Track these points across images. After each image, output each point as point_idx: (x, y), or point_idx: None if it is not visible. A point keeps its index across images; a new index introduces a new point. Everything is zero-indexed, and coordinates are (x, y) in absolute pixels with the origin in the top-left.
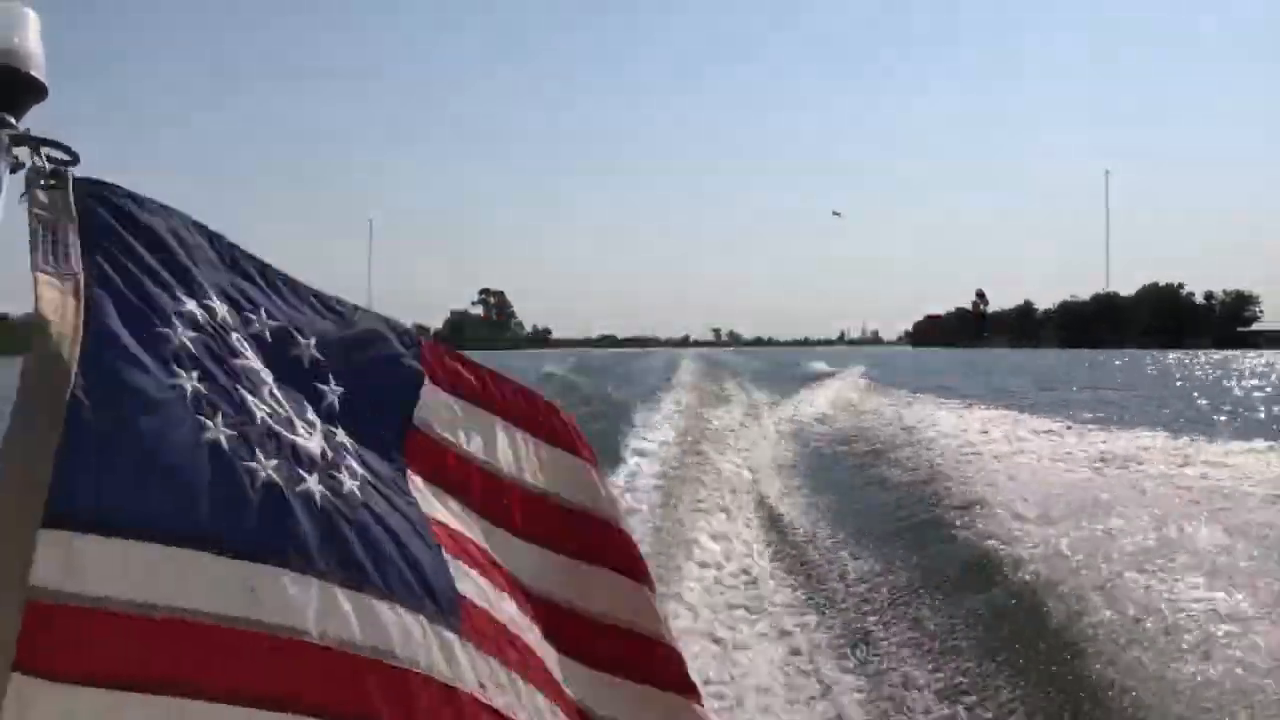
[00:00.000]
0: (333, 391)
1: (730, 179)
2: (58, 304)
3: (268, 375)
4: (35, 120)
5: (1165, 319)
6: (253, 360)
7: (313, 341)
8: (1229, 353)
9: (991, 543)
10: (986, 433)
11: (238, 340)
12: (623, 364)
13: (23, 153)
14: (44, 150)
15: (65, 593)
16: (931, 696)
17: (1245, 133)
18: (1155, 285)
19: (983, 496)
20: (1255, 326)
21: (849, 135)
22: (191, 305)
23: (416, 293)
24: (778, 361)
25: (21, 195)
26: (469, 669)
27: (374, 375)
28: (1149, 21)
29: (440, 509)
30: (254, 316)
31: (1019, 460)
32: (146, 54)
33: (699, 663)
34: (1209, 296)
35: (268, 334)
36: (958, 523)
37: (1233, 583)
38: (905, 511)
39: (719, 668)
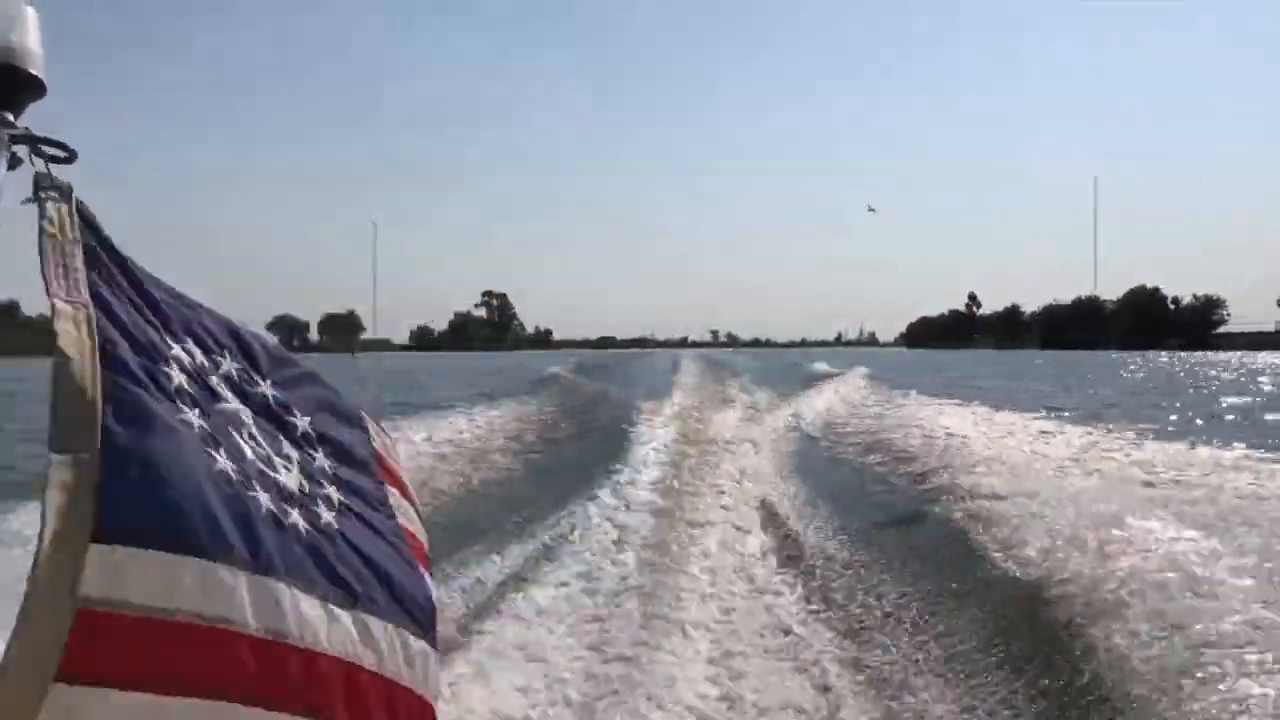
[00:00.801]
0: (302, 420)
1: (729, 180)
2: (75, 337)
3: (246, 415)
4: (32, 118)
5: (1142, 322)
6: (232, 402)
7: (269, 382)
8: (1163, 353)
9: (999, 544)
10: (1006, 434)
11: (216, 382)
12: (625, 364)
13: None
14: (42, 148)
15: (113, 600)
16: (937, 697)
17: (1245, 132)
18: (1138, 289)
19: (992, 497)
20: (1223, 329)
21: (848, 136)
22: (177, 349)
23: (420, 293)
24: (777, 363)
25: (25, 200)
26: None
27: (330, 407)
28: (1148, 23)
29: (413, 521)
30: (220, 359)
31: (1028, 462)
32: (145, 49)
33: (704, 662)
34: (1175, 301)
35: (234, 374)
36: (965, 522)
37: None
38: (914, 513)
39: (723, 664)
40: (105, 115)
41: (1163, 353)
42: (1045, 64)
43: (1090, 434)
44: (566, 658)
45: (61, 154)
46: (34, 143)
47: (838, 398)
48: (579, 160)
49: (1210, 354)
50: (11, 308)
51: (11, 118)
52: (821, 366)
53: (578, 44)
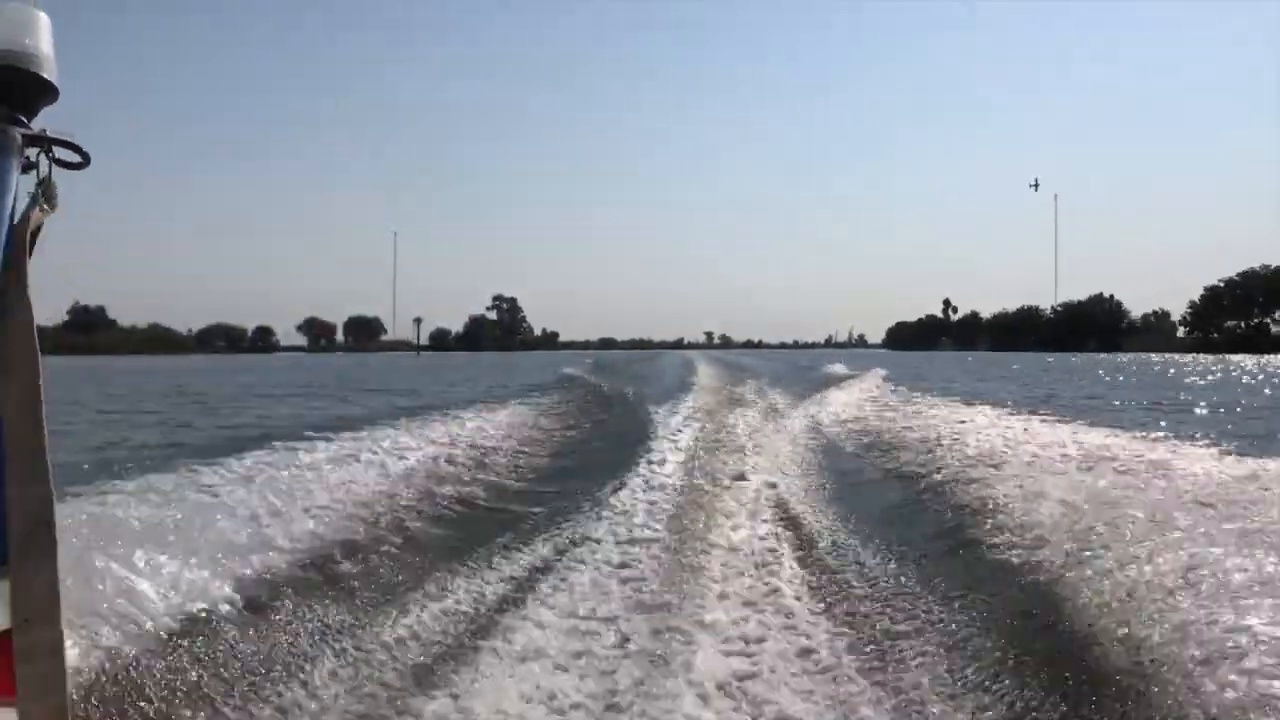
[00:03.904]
0: None
1: (724, 182)
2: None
3: None
4: (45, 121)
5: (1070, 327)
6: None
7: None
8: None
9: (1015, 547)
10: (1021, 433)
11: None
12: (633, 365)
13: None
14: (55, 151)
15: None
16: (949, 701)
17: (1194, 143)
18: (1069, 302)
19: (1006, 500)
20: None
21: (843, 138)
22: None
23: (435, 295)
24: (782, 364)
25: (27, 206)
26: None
27: None
28: (1143, 23)
29: None
30: None
31: (1046, 463)
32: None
33: (712, 674)
34: (1102, 306)
35: None
36: (979, 523)
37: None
38: (929, 515)
39: (736, 667)
40: (112, 118)
41: (1078, 353)
42: (1038, 72)
43: (1113, 436)
44: (573, 660)
45: (77, 158)
46: (48, 145)
47: (857, 398)
48: (577, 162)
49: (1103, 354)
50: (99, 311)
51: (25, 120)
52: (839, 368)
53: (575, 48)
